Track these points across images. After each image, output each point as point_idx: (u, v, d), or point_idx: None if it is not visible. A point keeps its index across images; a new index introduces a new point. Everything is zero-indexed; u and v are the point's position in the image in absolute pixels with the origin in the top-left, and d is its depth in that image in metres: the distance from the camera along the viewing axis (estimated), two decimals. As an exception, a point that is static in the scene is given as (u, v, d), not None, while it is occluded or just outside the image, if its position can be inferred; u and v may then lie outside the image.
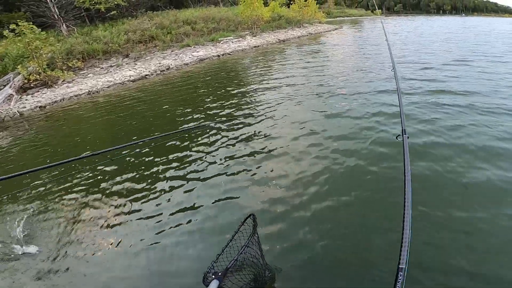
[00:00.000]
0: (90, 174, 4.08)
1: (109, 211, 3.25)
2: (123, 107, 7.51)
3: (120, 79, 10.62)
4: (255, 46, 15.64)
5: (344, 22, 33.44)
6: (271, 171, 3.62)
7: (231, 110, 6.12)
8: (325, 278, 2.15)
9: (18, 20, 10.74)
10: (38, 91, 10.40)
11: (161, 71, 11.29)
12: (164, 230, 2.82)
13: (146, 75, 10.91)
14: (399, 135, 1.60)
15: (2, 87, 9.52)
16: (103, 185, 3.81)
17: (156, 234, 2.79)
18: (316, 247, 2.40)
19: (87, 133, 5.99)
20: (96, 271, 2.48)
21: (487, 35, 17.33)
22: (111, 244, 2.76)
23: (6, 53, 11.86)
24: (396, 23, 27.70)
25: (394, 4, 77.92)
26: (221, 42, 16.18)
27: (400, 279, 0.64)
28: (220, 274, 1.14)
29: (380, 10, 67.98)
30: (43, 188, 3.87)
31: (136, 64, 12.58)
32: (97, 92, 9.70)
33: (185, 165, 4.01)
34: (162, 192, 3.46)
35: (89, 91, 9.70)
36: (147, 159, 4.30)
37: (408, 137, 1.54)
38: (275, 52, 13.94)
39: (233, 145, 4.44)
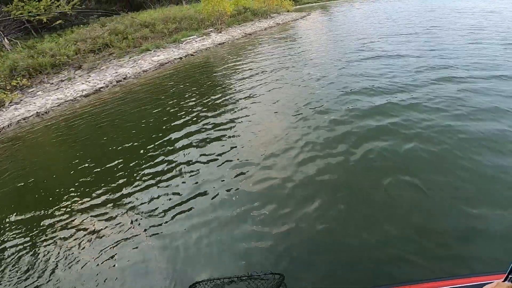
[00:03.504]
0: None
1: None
2: (77, 129, 6.77)
3: (72, 95, 9.59)
4: (220, 43, 14.89)
5: (313, 8, 33.22)
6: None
7: (199, 119, 5.73)
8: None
9: None
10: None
11: (117, 82, 10.34)
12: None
13: (101, 87, 9.94)
14: None
15: None
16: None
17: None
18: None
19: (41, 169, 5.23)
20: None
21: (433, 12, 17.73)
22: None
23: None
24: (362, 7, 27.94)
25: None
26: (184, 42, 15.28)
27: None
28: None
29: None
30: None
31: (89, 76, 11.48)
32: (46, 112, 8.66)
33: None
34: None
35: (37, 112, 8.65)
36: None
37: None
38: (240, 47, 13.34)
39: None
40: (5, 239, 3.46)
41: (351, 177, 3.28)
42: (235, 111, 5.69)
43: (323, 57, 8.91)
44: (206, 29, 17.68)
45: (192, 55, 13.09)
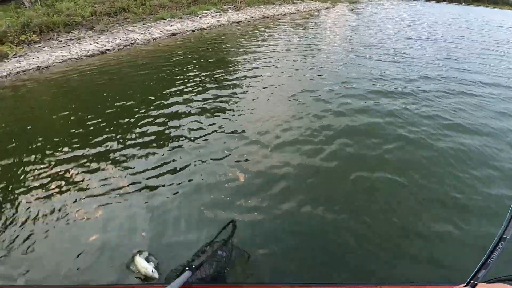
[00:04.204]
0: None
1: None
2: (75, 84, 6.65)
3: (77, 53, 9.42)
4: (235, 22, 14.30)
5: (339, 0, 31.84)
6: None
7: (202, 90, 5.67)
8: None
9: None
10: (-16, 66, 9.12)
11: (125, 46, 10.09)
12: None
13: (107, 49, 9.72)
14: None
15: None
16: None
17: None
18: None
19: (30, 117, 5.10)
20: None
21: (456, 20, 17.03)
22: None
23: None
24: (391, 8, 26.49)
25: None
26: (200, 15, 14.77)
27: (499, 248, 0.56)
28: (194, 266, 1.22)
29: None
30: None
31: (99, 37, 11.27)
32: (47, 67, 8.53)
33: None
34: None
35: (38, 66, 8.53)
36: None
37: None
38: (256, 28, 12.80)
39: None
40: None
41: (327, 164, 3.31)
42: (237, 87, 5.64)
43: (338, 50, 8.58)
44: (225, 5, 17.03)
45: (205, 29, 12.63)
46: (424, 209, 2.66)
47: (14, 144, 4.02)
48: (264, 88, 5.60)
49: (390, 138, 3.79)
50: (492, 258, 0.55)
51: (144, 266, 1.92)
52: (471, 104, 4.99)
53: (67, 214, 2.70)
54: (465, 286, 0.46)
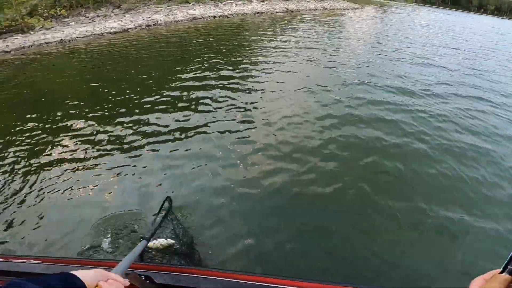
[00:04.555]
0: None
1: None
2: (94, 57, 6.83)
3: (100, 30, 9.60)
4: (258, 12, 14.13)
5: (369, 2, 30.75)
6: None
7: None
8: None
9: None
10: (12, 36, 9.54)
11: (147, 26, 10.19)
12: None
13: (129, 28, 9.85)
14: None
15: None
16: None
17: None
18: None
19: (49, 84, 5.28)
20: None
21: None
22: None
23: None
24: (426, 14, 25.28)
25: (431, -6, 70.19)
26: (224, 2, 14.69)
27: None
28: (147, 237, 1.28)
29: (413, -2, 61.69)
30: None
31: (124, 16, 11.45)
32: (69, 41, 8.76)
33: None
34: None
35: (61, 39, 8.78)
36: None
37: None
38: (278, 20, 12.57)
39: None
40: None
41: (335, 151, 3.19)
42: (252, 75, 5.58)
43: (361, 50, 8.32)
44: (250, -5, 16.84)
45: (227, 16, 12.54)
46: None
47: (32, 107, 4.17)
48: (280, 76, 5.47)
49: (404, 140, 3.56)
50: None
51: (163, 242, 1.85)
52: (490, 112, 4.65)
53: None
54: (501, 272, 0.44)
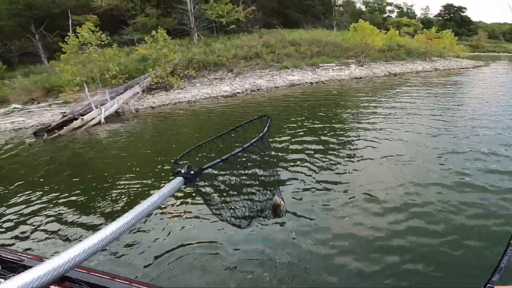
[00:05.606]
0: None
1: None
2: (212, 118, 8.55)
3: (216, 92, 11.74)
4: (356, 77, 14.20)
5: (497, 58, 26.30)
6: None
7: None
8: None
9: (160, 29, 13.24)
10: (159, 93, 12.72)
11: (251, 91, 11.79)
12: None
13: (238, 92, 11.64)
14: None
15: (135, 84, 12.22)
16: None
17: None
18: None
19: (174, 135, 7.12)
20: None
21: None
22: None
23: (148, 55, 14.98)
24: None
25: None
26: (321, 68, 15.56)
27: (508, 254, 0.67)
28: (192, 172, 0.77)
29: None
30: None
31: (235, 79, 13.68)
32: (194, 102, 11.02)
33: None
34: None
35: (188, 100, 11.15)
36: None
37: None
38: (379, 86, 12.18)
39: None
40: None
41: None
42: (352, 142, 5.53)
43: (486, 118, 6.73)
44: (347, 59, 17.28)
45: (323, 82, 13.17)
46: None
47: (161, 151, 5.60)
48: (382, 151, 5.02)
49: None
50: (503, 262, 0.62)
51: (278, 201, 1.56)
52: None
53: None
54: None
